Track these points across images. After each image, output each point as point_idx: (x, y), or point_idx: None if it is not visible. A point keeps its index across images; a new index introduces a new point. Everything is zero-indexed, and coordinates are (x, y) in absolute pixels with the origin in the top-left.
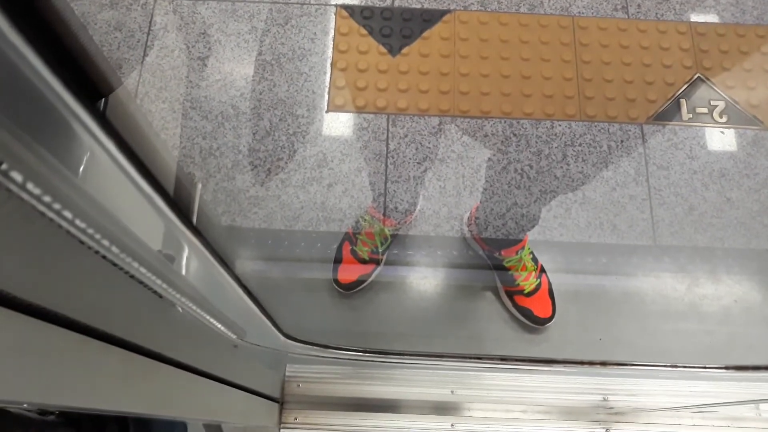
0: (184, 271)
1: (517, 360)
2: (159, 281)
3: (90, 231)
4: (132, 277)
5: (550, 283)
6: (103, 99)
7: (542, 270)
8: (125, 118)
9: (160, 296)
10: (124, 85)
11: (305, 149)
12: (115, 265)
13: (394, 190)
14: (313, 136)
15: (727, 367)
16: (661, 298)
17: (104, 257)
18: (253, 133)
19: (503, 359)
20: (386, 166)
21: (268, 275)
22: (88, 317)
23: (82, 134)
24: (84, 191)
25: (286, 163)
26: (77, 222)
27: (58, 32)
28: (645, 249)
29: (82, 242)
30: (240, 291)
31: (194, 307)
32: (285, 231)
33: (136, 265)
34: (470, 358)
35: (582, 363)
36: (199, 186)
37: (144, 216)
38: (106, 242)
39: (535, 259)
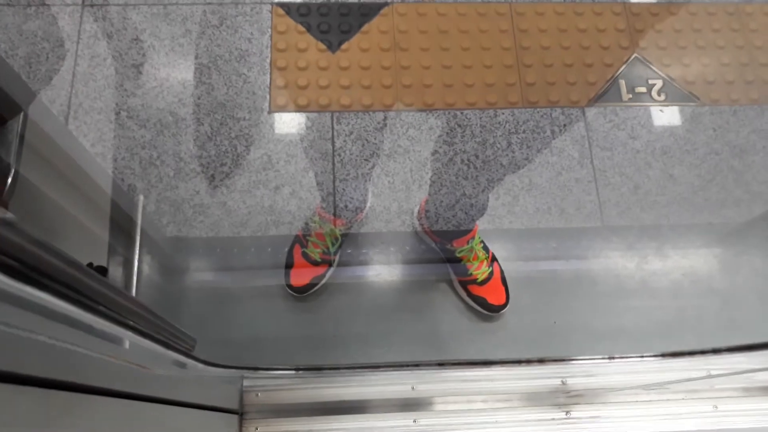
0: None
1: (472, 364)
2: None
3: None
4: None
5: (502, 271)
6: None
7: (494, 258)
8: (42, 138)
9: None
10: (41, 102)
11: (249, 152)
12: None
13: (343, 189)
14: (257, 138)
15: (663, 355)
16: (612, 278)
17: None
18: (194, 139)
19: (459, 364)
20: (333, 164)
21: (219, 285)
22: None
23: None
24: None
25: (230, 168)
26: None
27: None
28: (593, 230)
29: None
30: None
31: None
32: (233, 238)
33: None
34: (429, 365)
35: (532, 362)
36: (141, 198)
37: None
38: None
39: (486, 248)
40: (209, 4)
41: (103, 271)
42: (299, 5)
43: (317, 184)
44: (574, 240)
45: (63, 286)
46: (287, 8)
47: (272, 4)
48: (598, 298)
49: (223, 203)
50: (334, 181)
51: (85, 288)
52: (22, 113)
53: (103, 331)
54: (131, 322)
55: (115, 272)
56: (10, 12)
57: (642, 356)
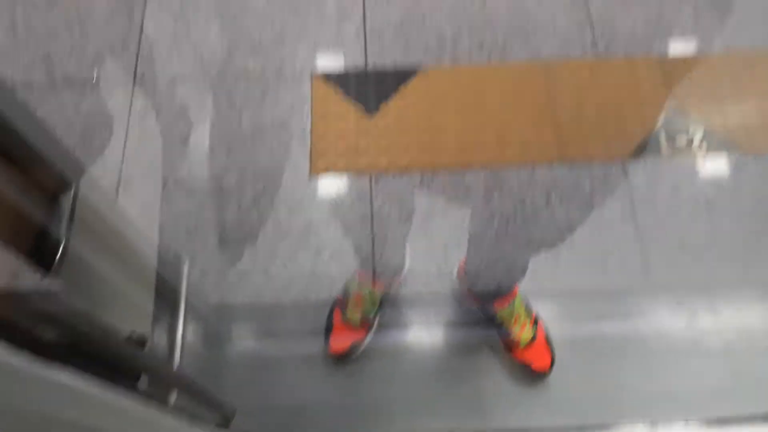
0: None
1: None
2: None
3: None
4: None
5: (547, 333)
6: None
7: (537, 319)
8: (90, 211)
9: None
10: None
11: (290, 217)
12: None
13: (382, 251)
14: (297, 203)
15: (710, 421)
16: (661, 338)
17: None
18: (237, 207)
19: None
20: (372, 226)
21: (260, 352)
22: None
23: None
24: None
25: (272, 233)
26: None
27: None
28: (640, 288)
29: None
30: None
31: None
32: (275, 304)
33: None
34: None
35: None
36: (186, 266)
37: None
38: None
39: (528, 309)
40: (251, 77)
41: (143, 340)
42: (338, 74)
43: (356, 246)
44: (620, 299)
45: (99, 355)
46: (326, 77)
47: (312, 73)
48: (647, 360)
49: (265, 269)
50: (373, 243)
51: (119, 358)
52: (72, 188)
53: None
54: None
55: (160, 340)
56: (68, 92)
57: (687, 420)
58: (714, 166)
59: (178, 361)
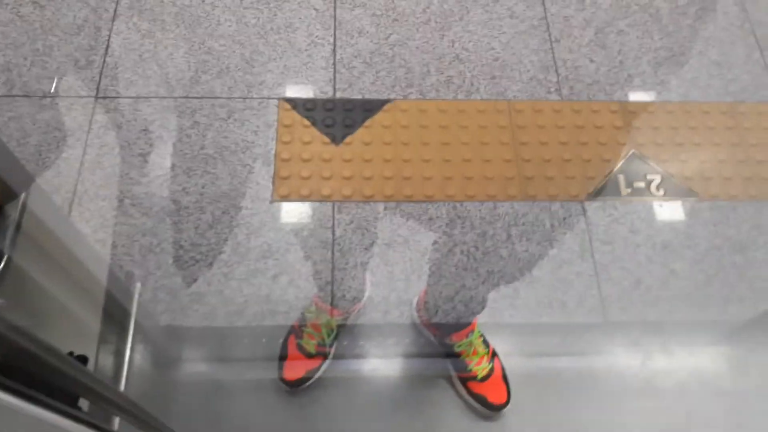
0: None
1: None
2: None
3: None
4: None
5: (503, 367)
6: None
7: (494, 354)
8: (38, 224)
9: None
10: (41, 189)
11: (249, 241)
12: None
13: (341, 278)
14: (257, 227)
15: None
16: (616, 376)
17: None
18: (195, 228)
19: None
20: (333, 253)
21: (211, 377)
22: None
23: None
24: None
25: (229, 256)
26: None
27: None
28: (597, 326)
29: None
30: None
31: None
32: (228, 328)
33: None
34: None
35: None
36: (138, 286)
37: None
38: None
39: (486, 343)
40: (218, 98)
41: (83, 360)
42: (305, 100)
43: (315, 273)
44: (577, 336)
45: (39, 371)
46: (293, 103)
47: (279, 98)
48: (602, 398)
49: (220, 291)
50: (332, 271)
51: (62, 376)
52: (19, 199)
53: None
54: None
55: (105, 361)
56: (26, 102)
57: None
58: (670, 210)
59: (124, 384)
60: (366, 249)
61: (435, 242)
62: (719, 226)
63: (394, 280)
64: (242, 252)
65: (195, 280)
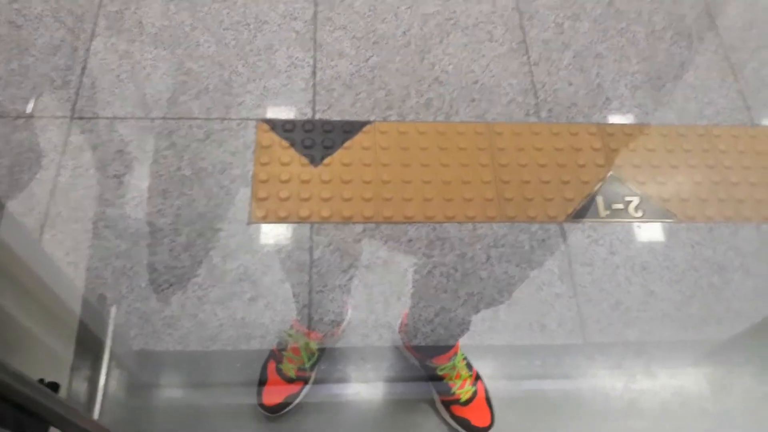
0: None
1: None
2: None
3: None
4: None
5: (486, 390)
6: None
7: (477, 377)
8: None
9: None
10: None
11: (225, 264)
12: None
13: (320, 301)
14: (233, 249)
15: None
16: (599, 397)
17: None
18: (170, 250)
19: None
20: (310, 276)
21: (186, 402)
22: None
23: None
24: None
25: (204, 279)
26: None
27: None
28: (578, 347)
29: None
30: None
31: None
32: (203, 352)
33: None
34: None
35: None
36: (113, 311)
37: None
38: None
39: (469, 366)
40: (196, 119)
41: (54, 387)
42: (284, 121)
43: (294, 295)
44: (559, 357)
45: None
46: (272, 124)
47: (258, 120)
48: (585, 419)
49: (194, 315)
50: (310, 293)
51: (32, 404)
52: None
53: None
54: None
55: (79, 388)
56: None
57: None
58: (649, 231)
59: (98, 411)
60: (344, 271)
61: (414, 264)
62: (696, 248)
63: (372, 302)
64: (218, 275)
65: (169, 304)
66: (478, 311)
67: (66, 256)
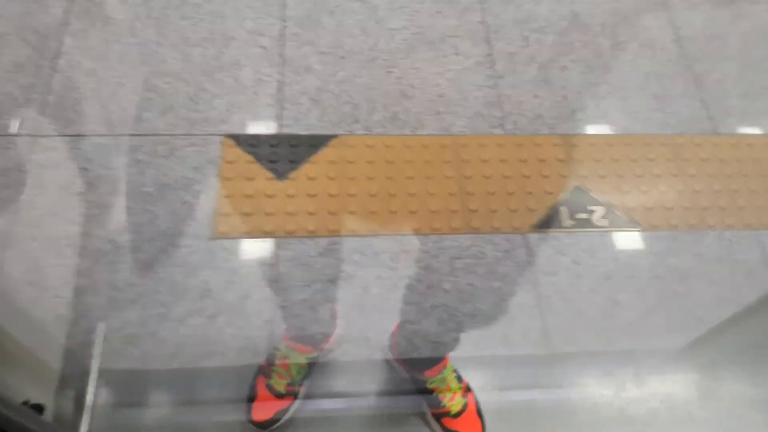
0: None
1: None
2: None
3: None
4: None
5: (477, 402)
6: None
7: (468, 388)
8: None
9: None
10: None
11: (186, 280)
12: None
13: (288, 317)
14: (195, 265)
15: None
16: (590, 407)
17: None
18: (131, 268)
19: None
20: (275, 291)
21: (143, 422)
22: None
23: None
24: None
25: (166, 296)
26: None
27: None
28: (571, 356)
29: None
30: None
31: None
32: (166, 370)
33: None
34: None
35: None
36: (103, 327)
37: None
38: None
39: (459, 378)
40: (160, 135)
41: (39, 409)
42: (249, 136)
43: (256, 311)
44: (549, 367)
45: None
46: (237, 139)
47: (223, 135)
48: (577, 429)
49: (154, 333)
50: (281, 309)
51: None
52: None
53: None
54: None
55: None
56: None
57: None
58: (613, 240)
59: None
60: (307, 285)
61: (379, 276)
62: (660, 256)
63: (338, 316)
64: (179, 292)
65: (129, 322)
66: (441, 322)
67: (25, 275)
